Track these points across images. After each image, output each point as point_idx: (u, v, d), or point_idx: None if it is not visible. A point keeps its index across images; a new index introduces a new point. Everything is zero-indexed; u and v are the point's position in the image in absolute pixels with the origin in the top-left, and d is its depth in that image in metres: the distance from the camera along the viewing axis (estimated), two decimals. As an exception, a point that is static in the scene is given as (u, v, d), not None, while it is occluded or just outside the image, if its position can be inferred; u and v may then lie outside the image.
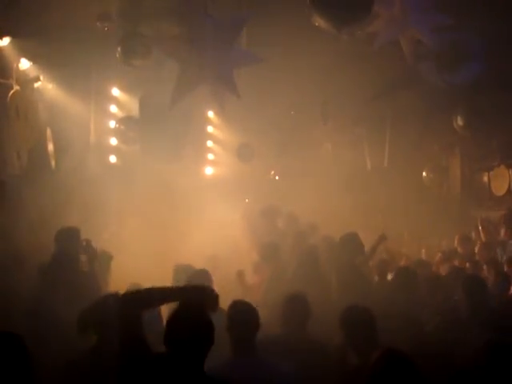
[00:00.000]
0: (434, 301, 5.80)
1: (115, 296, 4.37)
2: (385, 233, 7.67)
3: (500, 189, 11.76)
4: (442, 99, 10.28)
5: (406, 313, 5.09)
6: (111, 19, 7.76)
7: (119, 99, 10.30)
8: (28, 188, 8.00)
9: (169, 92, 8.41)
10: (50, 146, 8.72)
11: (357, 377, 3.28)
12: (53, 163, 8.74)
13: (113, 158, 10.17)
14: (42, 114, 8.52)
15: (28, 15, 7.34)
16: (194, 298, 3.39)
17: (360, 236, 7.35)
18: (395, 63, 9.36)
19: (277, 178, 12.97)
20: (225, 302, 4.88)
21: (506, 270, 7.17)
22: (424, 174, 12.64)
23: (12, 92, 7.81)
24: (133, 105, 10.31)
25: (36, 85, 8.36)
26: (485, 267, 7.26)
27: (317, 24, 6.71)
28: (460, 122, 10.14)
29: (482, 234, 9.20)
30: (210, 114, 11.98)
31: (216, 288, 4.02)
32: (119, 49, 7.90)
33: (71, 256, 5.93)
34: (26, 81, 8.15)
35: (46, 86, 8.64)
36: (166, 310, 3.70)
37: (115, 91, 10.23)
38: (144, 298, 3.34)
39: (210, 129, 12.21)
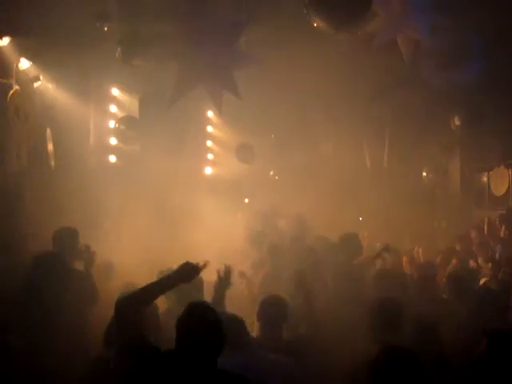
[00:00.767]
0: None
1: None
2: (389, 244, 7.65)
3: (499, 189, 11.77)
4: (442, 99, 10.28)
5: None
6: (111, 19, 7.75)
7: (119, 99, 10.31)
8: (28, 188, 8.01)
9: (168, 92, 8.43)
10: (50, 146, 8.72)
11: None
12: (52, 163, 8.74)
13: (112, 158, 10.18)
14: (41, 113, 8.51)
15: (28, 15, 7.35)
16: (183, 279, 3.64)
17: (360, 236, 7.37)
18: (395, 63, 9.36)
19: (276, 178, 12.98)
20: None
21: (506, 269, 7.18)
22: (424, 174, 12.66)
23: (12, 92, 7.81)
24: (132, 105, 10.31)
25: (36, 84, 8.34)
26: (490, 265, 7.29)
27: (315, 25, 6.71)
28: (457, 122, 10.15)
29: (481, 234, 9.21)
30: (210, 113, 11.99)
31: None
32: (119, 49, 7.91)
33: (68, 256, 5.93)
34: (25, 80, 8.14)
35: (46, 86, 8.63)
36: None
37: (115, 91, 10.23)
38: (138, 297, 3.44)
39: (209, 129, 12.22)
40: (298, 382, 3.92)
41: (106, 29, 7.76)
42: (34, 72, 8.26)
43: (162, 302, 4.57)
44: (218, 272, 4.63)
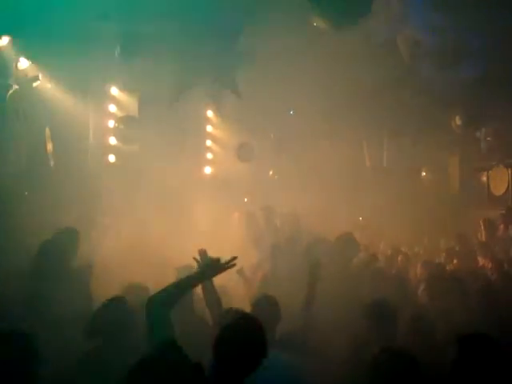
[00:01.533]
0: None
1: (121, 300, 4.41)
2: (376, 255, 7.65)
3: (499, 188, 11.77)
4: (441, 98, 10.28)
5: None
6: (110, 19, 7.75)
7: (118, 99, 10.30)
8: (27, 187, 8.01)
9: (168, 91, 8.43)
10: (49, 146, 8.72)
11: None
12: (52, 163, 8.74)
13: (112, 158, 10.17)
14: (41, 113, 8.51)
15: (27, 15, 7.35)
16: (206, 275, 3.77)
17: (359, 236, 7.38)
18: (394, 62, 9.37)
19: (276, 177, 12.98)
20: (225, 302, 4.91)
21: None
22: (423, 173, 12.66)
23: (11, 91, 7.81)
24: (132, 104, 10.30)
25: (35, 84, 8.35)
26: (490, 265, 7.29)
27: (315, 24, 6.72)
28: (458, 121, 10.15)
29: (483, 233, 9.21)
30: (209, 113, 11.99)
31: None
32: (118, 48, 7.91)
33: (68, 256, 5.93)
34: (25, 80, 8.14)
35: (45, 86, 8.63)
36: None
37: (114, 90, 10.22)
38: (168, 295, 3.49)
39: (209, 128, 12.21)
40: (300, 378, 3.92)
41: (105, 28, 7.75)
42: (33, 72, 8.26)
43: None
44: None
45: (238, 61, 8.52)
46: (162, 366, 2.95)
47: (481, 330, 4.76)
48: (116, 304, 4.39)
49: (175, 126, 10.27)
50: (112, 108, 10.22)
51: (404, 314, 4.72)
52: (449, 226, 10.68)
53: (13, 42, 7.73)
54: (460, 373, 3.39)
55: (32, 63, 8.18)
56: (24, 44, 7.86)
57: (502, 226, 9.25)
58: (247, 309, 4.94)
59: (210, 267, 3.76)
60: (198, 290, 4.77)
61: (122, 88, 10.15)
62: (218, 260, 3.76)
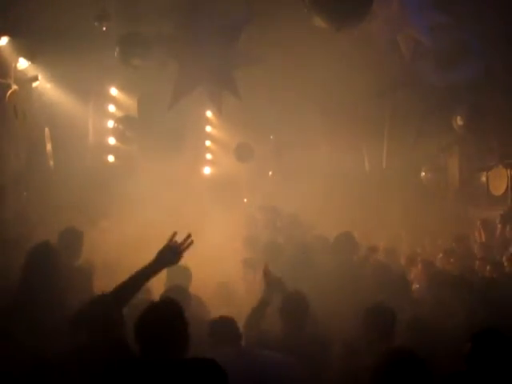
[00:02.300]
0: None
1: (106, 296, 4.39)
2: (376, 245, 7.64)
3: (498, 188, 11.76)
4: (441, 99, 10.29)
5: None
6: (110, 19, 7.75)
7: (117, 99, 10.30)
8: (26, 187, 8.01)
9: (167, 92, 8.42)
10: (49, 146, 8.72)
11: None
12: (51, 163, 8.74)
13: (111, 158, 10.17)
14: (40, 113, 8.51)
15: (26, 15, 7.35)
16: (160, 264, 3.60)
17: (358, 236, 7.37)
18: (394, 63, 9.37)
19: (275, 178, 12.97)
20: (226, 301, 4.90)
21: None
22: (422, 173, 12.65)
23: (10, 91, 7.81)
24: (131, 104, 10.29)
25: (34, 84, 8.35)
26: (488, 267, 7.28)
27: (316, 24, 6.71)
28: (460, 121, 10.14)
29: (482, 234, 9.21)
30: (209, 113, 11.99)
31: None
32: (118, 48, 7.91)
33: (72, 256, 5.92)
34: (24, 80, 8.14)
35: (45, 86, 8.63)
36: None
37: (113, 91, 10.23)
38: (122, 293, 3.44)
39: (208, 128, 12.21)
40: (293, 380, 3.91)
41: (104, 29, 7.75)
42: (32, 72, 8.26)
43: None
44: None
45: (238, 61, 8.51)
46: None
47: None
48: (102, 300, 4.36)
49: (174, 126, 10.27)
50: (111, 108, 10.22)
51: (404, 311, 4.71)
52: (448, 226, 10.67)
53: (12, 42, 7.72)
54: (474, 370, 3.39)
55: (31, 63, 8.17)
56: (23, 44, 7.86)
57: (500, 226, 9.25)
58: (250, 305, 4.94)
59: (166, 252, 3.59)
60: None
61: (122, 88, 10.16)
62: (171, 243, 3.60)
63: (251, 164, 11.58)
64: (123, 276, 6.21)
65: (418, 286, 7.18)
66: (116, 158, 10.18)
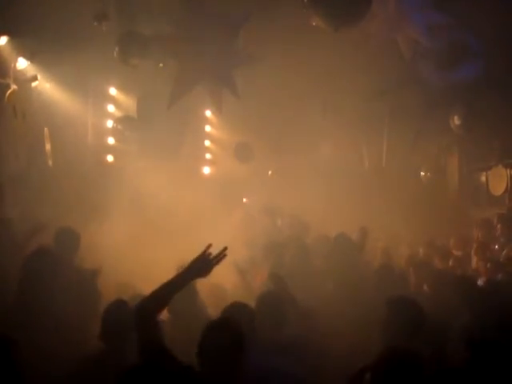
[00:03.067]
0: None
1: (121, 302, 4.38)
2: (365, 226, 7.62)
3: (498, 188, 11.75)
4: (440, 99, 10.28)
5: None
6: (109, 18, 7.74)
7: (117, 99, 10.29)
8: (26, 187, 8.00)
9: (166, 92, 8.42)
10: (48, 146, 8.72)
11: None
12: (50, 162, 8.74)
13: (110, 158, 10.16)
14: (39, 113, 8.50)
15: (25, 14, 7.34)
16: (195, 273, 3.56)
17: (357, 236, 7.37)
18: (393, 63, 9.36)
19: (275, 177, 12.96)
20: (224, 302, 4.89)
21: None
22: (422, 173, 12.64)
23: (9, 91, 7.80)
24: (130, 104, 10.29)
25: (33, 84, 8.34)
26: (488, 265, 7.28)
27: (314, 24, 6.70)
28: (457, 121, 10.14)
29: (479, 234, 9.21)
30: (208, 113, 11.98)
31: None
32: (117, 48, 7.90)
33: (69, 257, 5.92)
34: (23, 80, 8.14)
35: (44, 86, 8.63)
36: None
37: (113, 91, 10.21)
38: (157, 299, 3.42)
39: (207, 128, 12.20)
40: None
41: (103, 28, 7.74)
42: (31, 71, 8.25)
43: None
44: None
45: (237, 60, 8.51)
46: (149, 375, 2.92)
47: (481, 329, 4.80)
48: (117, 306, 4.37)
49: (174, 126, 10.26)
50: (110, 108, 10.21)
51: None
52: (447, 226, 10.67)
53: (11, 41, 7.71)
54: (473, 376, 3.38)
55: (30, 63, 8.17)
56: (22, 44, 7.85)
57: (499, 226, 9.25)
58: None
59: (199, 262, 3.57)
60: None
61: (121, 88, 10.15)
62: (205, 254, 3.56)
63: (250, 163, 11.57)
64: (123, 276, 6.26)
65: (418, 285, 7.16)
66: (115, 157, 10.17)
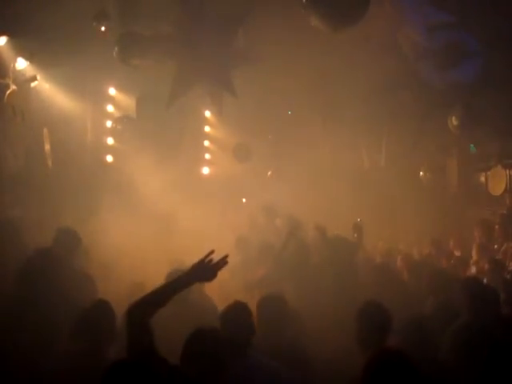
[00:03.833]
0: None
1: (107, 302, 4.38)
2: (359, 222, 7.62)
3: (497, 189, 11.76)
4: (440, 99, 10.28)
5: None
6: (108, 19, 7.75)
7: (116, 99, 10.30)
8: (25, 187, 8.00)
9: (165, 92, 8.43)
10: (47, 146, 8.72)
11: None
12: (49, 162, 8.74)
13: (109, 158, 10.17)
14: (38, 113, 8.50)
15: (25, 15, 7.34)
16: (194, 278, 3.49)
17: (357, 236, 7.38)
18: (392, 63, 9.36)
19: (274, 177, 12.96)
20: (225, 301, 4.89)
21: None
22: (421, 173, 12.65)
23: (9, 91, 7.81)
24: (129, 104, 10.30)
25: (33, 84, 8.34)
26: (486, 266, 7.28)
27: (313, 24, 6.70)
28: (455, 121, 10.14)
29: (478, 234, 9.21)
30: (207, 113, 11.99)
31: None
32: (116, 48, 7.91)
33: (69, 257, 5.91)
34: (22, 80, 8.14)
35: (43, 86, 8.63)
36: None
37: (112, 91, 10.23)
38: (149, 303, 3.36)
39: (206, 128, 12.21)
40: None
41: (103, 29, 7.75)
42: (31, 72, 8.26)
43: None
44: None
45: (236, 61, 8.52)
46: (133, 369, 2.93)
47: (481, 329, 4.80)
48: (100, 306, 4.36)
49: (173, 126, 10.28)
50: (110, 108, 10.22)
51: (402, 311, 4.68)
52: (447, 226, 10.68)
53: (11, 41, 7.72)
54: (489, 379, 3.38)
55: (30, 63, 8.17)
56: (22, 44, 7.86)
57: (497, 227, 9.24)
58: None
59: (198, 269, 3.47)
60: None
61: (120, 88, 10.16)
62: (205, 260, 3.47)
63: (250, 163, 11.58)
64: (122, 276, 6.25)
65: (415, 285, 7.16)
66: (114, 157, 10.18)
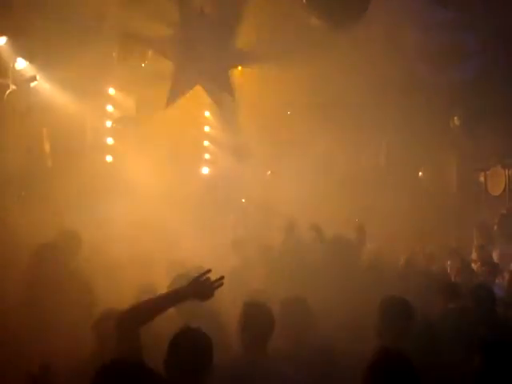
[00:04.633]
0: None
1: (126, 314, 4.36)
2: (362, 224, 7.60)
3: (496, 189, 11.77)
4: (440, 99, 10.29)
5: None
6: (108, 19, 7.75)
7: (115, 99, 10.29)
8: (24, 187, 8.00)
9: (165, 92, 8.43)
10: (47, 146, 8.72)
11: None
12: (49, 163, 8.74)
13: (109, 158, 10.17)
14: (38, 113, 8.50)
15: (25, 15, 7.35)
16: (190, 296, 3.39)
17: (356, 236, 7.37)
18: (392, 63, 9.37)
19: (273, 177, 12.95)
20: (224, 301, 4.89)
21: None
22: (420, 173, 12.65)
23: (8, 92, 7.81)
24: (129, 104, 10.30)
25: (32, 84, 8.34)
26: (483, 268, 7.28)
27: (313, 23, 6.72)
28: (457, 121, 10.15)
29: (477, 236, 9.22)
30: (207, 113, 11.98)
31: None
32: (116, 49, 7.91)
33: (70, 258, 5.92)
34: (22, 80, 8.14)
35: (43, 86, 8.63)
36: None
37: (111, 91, 10.22)
38: (141, 314, 3.31)
39: (206, 128, 12.21)
40: None
41: (102, 29, 7.76)
42: (30, 72, 8.25)
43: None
44: None
45: (234, 60, 8.53)
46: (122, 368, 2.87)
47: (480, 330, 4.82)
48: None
49: (172, 126, 10.28)
50: (109, 108, 10.22)
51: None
52: (446, 226, 10.68)
53: (10, 42, 7.72)
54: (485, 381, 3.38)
55: (29, 63, 8.17)
56: (22, 44, 7.85)
57: (496, 227, 9.25)
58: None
59: (196, 286, 3.38)
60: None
61: (120, 88, 10.15)
62: (202, 279, 3.38)
63: (249, 163, 11.57)
64: (122, 276, 6.25)
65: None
66: (114, 158, 10.18)
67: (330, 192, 10.86)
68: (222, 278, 3.44)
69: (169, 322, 3.73)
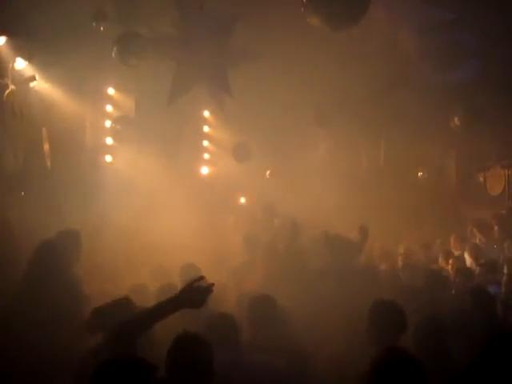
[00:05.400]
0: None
1: (126, 300, 4.36)
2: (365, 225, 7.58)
3: (496, 189, 11.78)
4: (439, 99, 10.29)
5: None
6: (107, 19, 7.75)
7: (115, 99, 10.29)
8: (24, 187, 8.00)
9: (164, 91, 8.43)
10: (46, 146, 8.71)
11: None
12: (48, 163, 8.73)
13: (108, 158, 10.17)
14: (37, 113, 8.50)
15: (24, 14, 7.34)
16: (185, 304, 3.39)
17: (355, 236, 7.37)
18: (392, 63, 9.37)
19: (273, 177, 12.95)
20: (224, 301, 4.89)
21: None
22: (419, 173, 12.65)
23: (8, 91, 7.79)
24: (128, 104, 10.30)
25: (32, 84, 8.33)
26: (478, 269, 7.27)
27: (312, 24, 6.70)
28: (457, 122, 10.15)
29: (477, 235, 9.22)
30: (206, 113, 11.98)
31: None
32: (115, 48, 7.91)
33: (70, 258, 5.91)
34: (21, 80, 8.13)
35: (42, 86, 8.62)
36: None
37: (111, 91, 10.22)
38: (137, 326, 3.33)
39: (205, 128, 12.21)
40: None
41: (102, 29, 7.75)
42: (30, 72, 8.25)
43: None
44: None
45: (233, 59, 8.53)
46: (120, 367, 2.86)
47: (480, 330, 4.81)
48: (121, 303, 4.34)
49: (172, 126, 10.28)
50: (109, 108, 10.22)
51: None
52: (445, 226, 10.68)
53: (10, 41, 7.71)
54: (487, 374, 3.37)
55: (29, 63, 8.16)
56: (21, 44, 7.85)
57: (496, 227, 9.25)
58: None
59: (187, 294, 3.38)
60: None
61: (119, 88, 10.15)
62: (193, 286, 3.38)
63: (249, 163, 11.57)
64: (122, 277, 6.25)
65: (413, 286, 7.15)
66: (113, 158, 10.17)
67: (330, 192, 10.86)
68: (212, 284, 3.44)
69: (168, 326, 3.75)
